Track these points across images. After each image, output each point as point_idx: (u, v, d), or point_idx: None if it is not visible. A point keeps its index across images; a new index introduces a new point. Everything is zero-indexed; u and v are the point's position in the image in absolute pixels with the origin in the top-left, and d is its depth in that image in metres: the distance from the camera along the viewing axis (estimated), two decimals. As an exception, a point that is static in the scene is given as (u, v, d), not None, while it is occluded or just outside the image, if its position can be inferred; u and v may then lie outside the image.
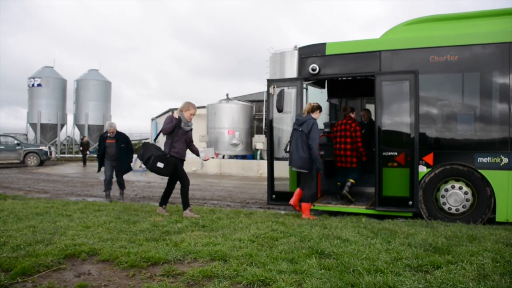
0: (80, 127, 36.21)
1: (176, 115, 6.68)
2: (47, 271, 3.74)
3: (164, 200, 7.08)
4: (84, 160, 24.94)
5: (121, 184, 9.78)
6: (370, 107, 9.07)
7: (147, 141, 23.89)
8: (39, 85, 34.65)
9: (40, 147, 25.45)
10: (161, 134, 6.81)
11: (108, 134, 9.59)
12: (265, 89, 8.92)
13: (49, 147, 26.75)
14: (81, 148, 25.86)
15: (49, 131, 35.41)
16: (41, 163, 24.52)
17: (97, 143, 10.69)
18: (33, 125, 35.11)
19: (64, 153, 36.66)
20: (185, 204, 6.82)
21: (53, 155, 26.91)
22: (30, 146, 25.47)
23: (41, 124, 34.66)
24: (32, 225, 5.59)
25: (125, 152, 9.54)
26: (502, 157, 6.33)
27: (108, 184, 9.53)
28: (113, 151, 9.45)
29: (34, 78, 34.84)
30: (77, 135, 37.21)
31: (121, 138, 9.59)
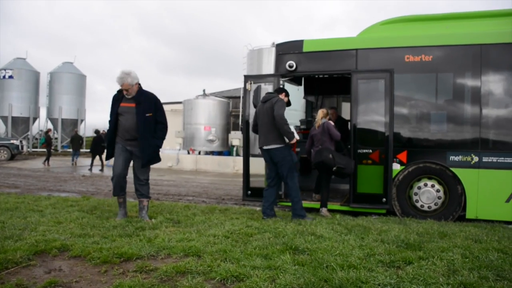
0: (53, 121, 35.43)
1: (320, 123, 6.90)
2: (16, 267, 3.64)
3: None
4: (48, 157, 20.78)
5: (144, 189, 5.75)
6: (346, 105, 9.17)
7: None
8: (10, 77, 33.74)
9: (11, 141, 24.78)
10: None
11: (124, 93, 5.60)
12: (241, 85, 8.91)
13: (21, 141, 26.08)
14: (44, 143, 21.79)
15: (20, 124, 34.54)
16: (12, 157, 23.88)
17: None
18: (4, 118, 34.20)
19: (36, 147, 35.74)
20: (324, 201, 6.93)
21: (25, 149, 26.31)
22: (1, 140, 24.79)
23: (13, 117, 33.79)
24: (1, 221, 5.41)
25: (150, 126, 5.56)
26: (473, 156, 6.48)
27: (119, 184, 5.68)
28: (130, 123, 5.54)
29: (5, 70, 33.92)
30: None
31: (145, 101, 5.58)
